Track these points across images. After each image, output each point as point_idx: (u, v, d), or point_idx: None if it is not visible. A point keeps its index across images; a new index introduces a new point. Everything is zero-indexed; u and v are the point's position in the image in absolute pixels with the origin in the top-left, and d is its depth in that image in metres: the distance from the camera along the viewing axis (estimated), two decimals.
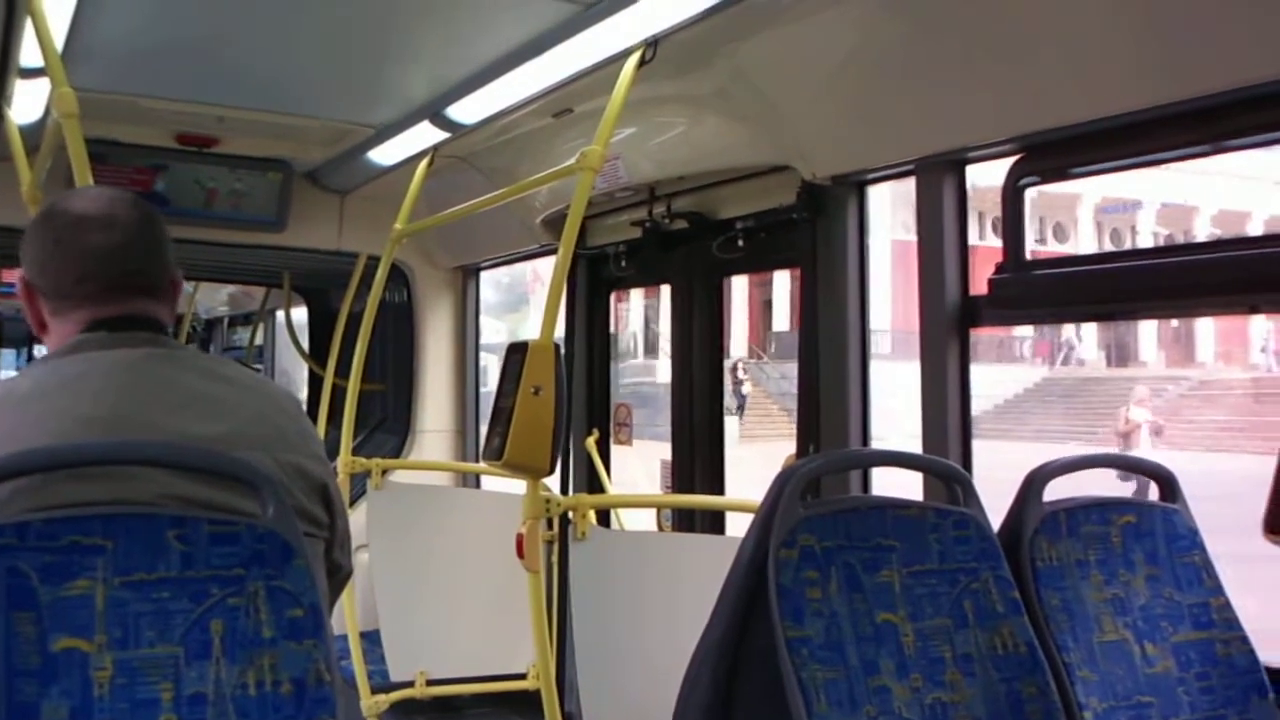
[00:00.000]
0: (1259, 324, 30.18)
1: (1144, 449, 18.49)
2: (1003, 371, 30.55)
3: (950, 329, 3.15)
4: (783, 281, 30.40)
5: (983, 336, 30.73)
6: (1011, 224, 3.05)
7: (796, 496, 2.20)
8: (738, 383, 29.80)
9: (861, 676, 2.14)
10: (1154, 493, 2.68)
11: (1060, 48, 2.68)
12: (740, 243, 4.01)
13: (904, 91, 3.09)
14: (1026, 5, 2.66)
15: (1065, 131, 2.85)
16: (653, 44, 3.19)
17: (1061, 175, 3.17)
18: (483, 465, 3.54)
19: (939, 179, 3.18)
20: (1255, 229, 28.66)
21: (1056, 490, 2.56)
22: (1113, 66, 2.62)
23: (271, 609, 1.75)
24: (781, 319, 32.74)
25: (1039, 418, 28.75)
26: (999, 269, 3.06)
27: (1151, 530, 2.57)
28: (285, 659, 1.74)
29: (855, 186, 3.48)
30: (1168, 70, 2.51)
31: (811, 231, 3.53)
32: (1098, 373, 32.61)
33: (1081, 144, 2.89)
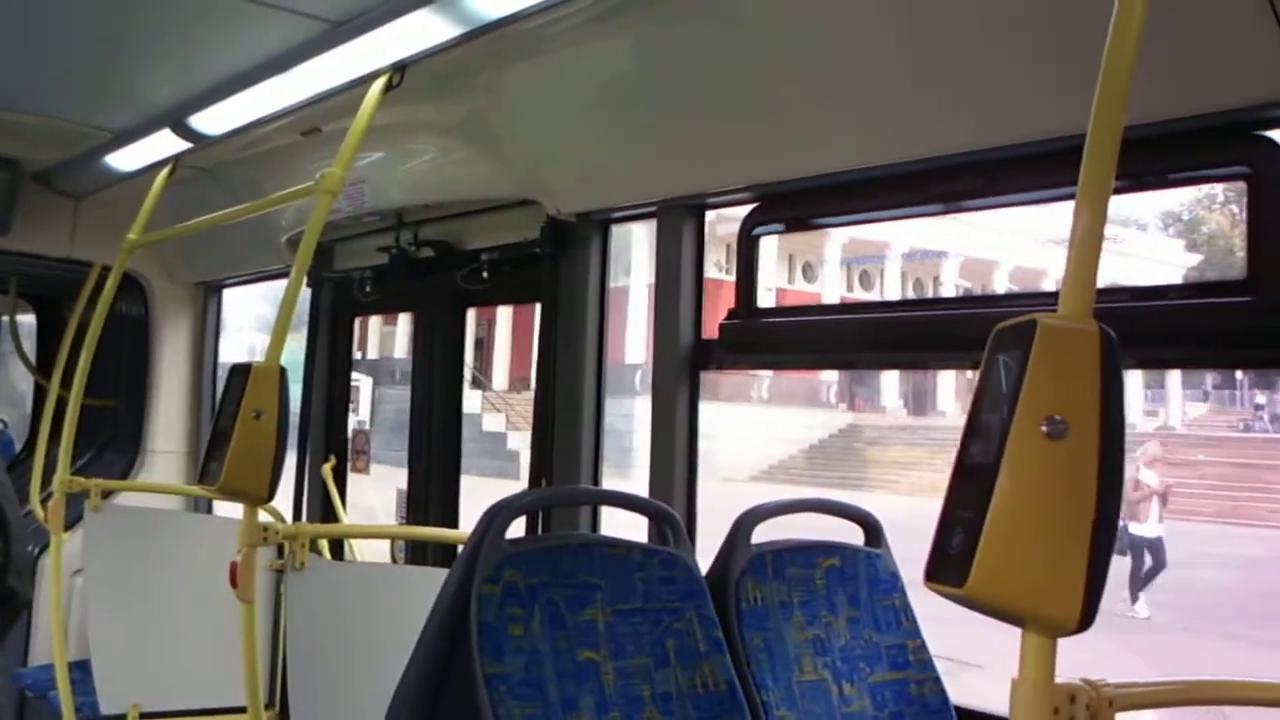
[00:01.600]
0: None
1: (1151, 522, 14.97)
2: (810, 415, 31.01)
3: (681, 371, 3.20)
4: None
5: (793, 379, 31.13)
6: (744, 271, 3.13)
7: (502, 532, 2.19)
8: None
9: (560, 713, 2.13)
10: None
11: (800, 105, 2.78)
12: (485, 274, 3.99)
13: (649, 134, 3.14)
14: (770, 62, 2.74)
15: (799, 183, 2.95)
16: (401, 69, 3.16)
17: (797, 225, 3.28)
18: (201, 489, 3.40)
19: (678, 222, 3.24)
20: (1049, 285, 29.88)
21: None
22: (846, 126, 2.73)
23: None
24: None
25: (844, 464, 29.14)
26: (730, 314, 3.13)
27: (855, 574, 2.66)
28: None
29: (599, 225, 3.52)
30: (894, 134, 2.63)
31: (554, 267, 3.54)
32: (900, 420, 33.42)
33: (814, 196, 3.00)
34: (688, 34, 2.82)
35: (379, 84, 3.14)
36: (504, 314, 29.94)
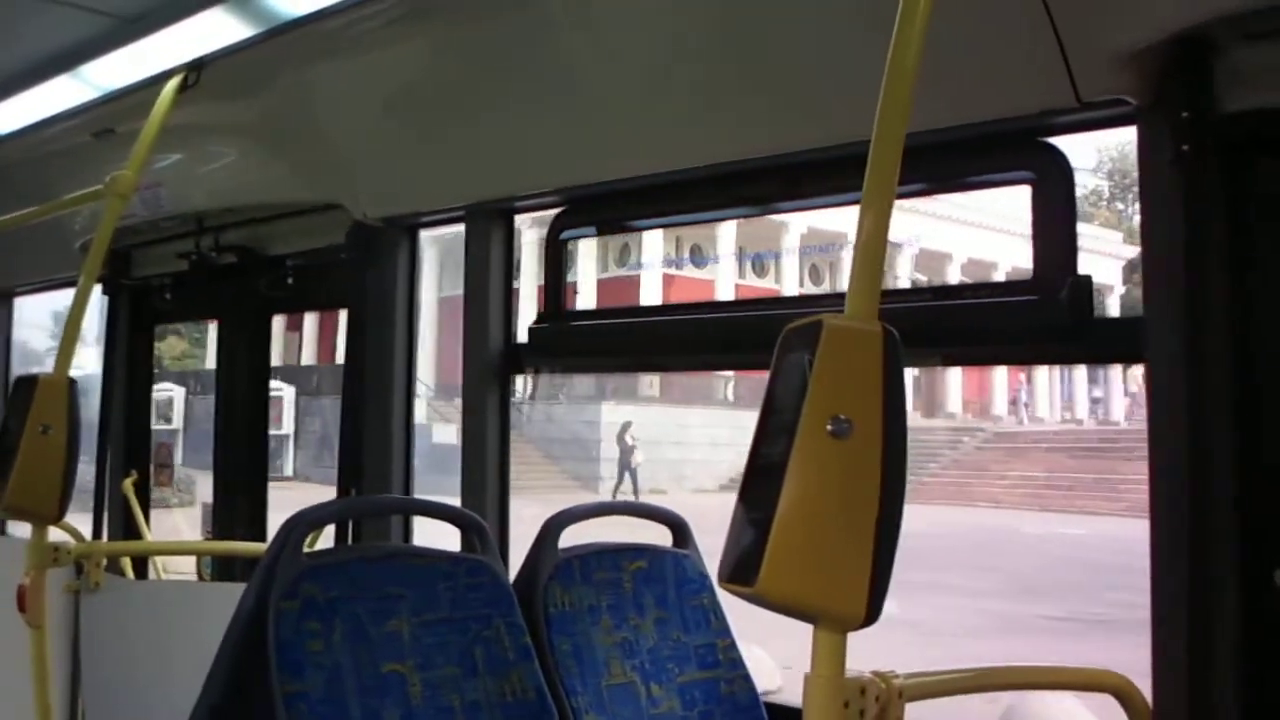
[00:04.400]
0: (1001, 375, 31.38)
1: None
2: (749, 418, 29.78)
3: (492, 376, 3.17)
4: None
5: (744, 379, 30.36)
6: (552, 274, 3.11)
7: (300, 546, 2.13)
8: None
9: None
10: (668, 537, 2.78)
11: (606, 109, 2.78)
12: (290, 280, 3.89)
13: (456, 138, 3.10)
14: (577, 66, 2.74)
15: (607, 186, 2.95)
16: (197, 67, 3.07)
17: (607, 228, 3.29)
18: None
19: (487, 227, 3.21)
20: (999, 275, 29.40)
21: None
22: (653, 130, 2.75)
23: None
24: None
25: None
26: (540, 318, 3.12)
27: (662, 575, 2.66)
28: None
29: (407, 230, 3.46)
30: (699, 138, 2.66)
31: (361, 273, 3.46)
32: None
33: (622, 199, 3.01)
34: (493, 37, 2.80)
35: (173, 83, 3.05)
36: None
